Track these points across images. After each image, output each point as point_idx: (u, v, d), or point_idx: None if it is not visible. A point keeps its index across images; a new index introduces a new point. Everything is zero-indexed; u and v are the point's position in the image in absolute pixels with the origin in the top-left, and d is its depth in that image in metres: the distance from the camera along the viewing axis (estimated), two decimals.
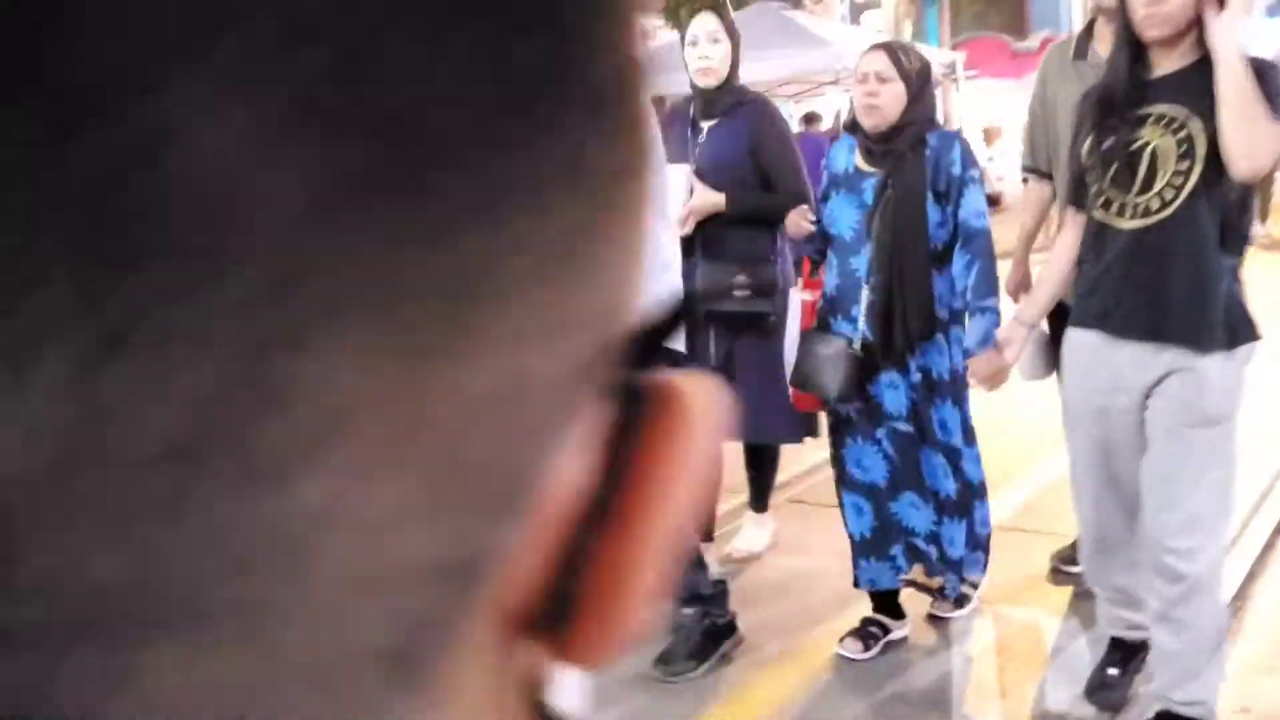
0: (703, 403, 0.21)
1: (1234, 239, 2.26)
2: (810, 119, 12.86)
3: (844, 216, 2.85)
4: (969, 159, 2.78)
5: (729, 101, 3.26)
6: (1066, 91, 3.01)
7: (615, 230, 0.19)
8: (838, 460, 2.99)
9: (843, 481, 2.99)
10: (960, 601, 3.11)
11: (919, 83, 2.78)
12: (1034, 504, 4.05)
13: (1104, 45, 2.95)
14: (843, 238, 2.86)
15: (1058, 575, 3.39)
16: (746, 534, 3.80)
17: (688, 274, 3.27)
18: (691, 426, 0.20)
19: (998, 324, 2.67)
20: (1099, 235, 2.31)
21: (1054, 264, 2.54)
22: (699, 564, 3.01)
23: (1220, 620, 2.37)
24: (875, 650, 2.98)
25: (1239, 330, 2.24)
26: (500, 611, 0.19)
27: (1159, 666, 2.40)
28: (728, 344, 3.28)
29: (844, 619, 3.12)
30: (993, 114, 18.09)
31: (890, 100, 2.73)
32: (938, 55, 13.51)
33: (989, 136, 17.18)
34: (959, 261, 2.73)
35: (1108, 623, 2.68)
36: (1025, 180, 3.34)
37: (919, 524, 2.92)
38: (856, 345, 2.81)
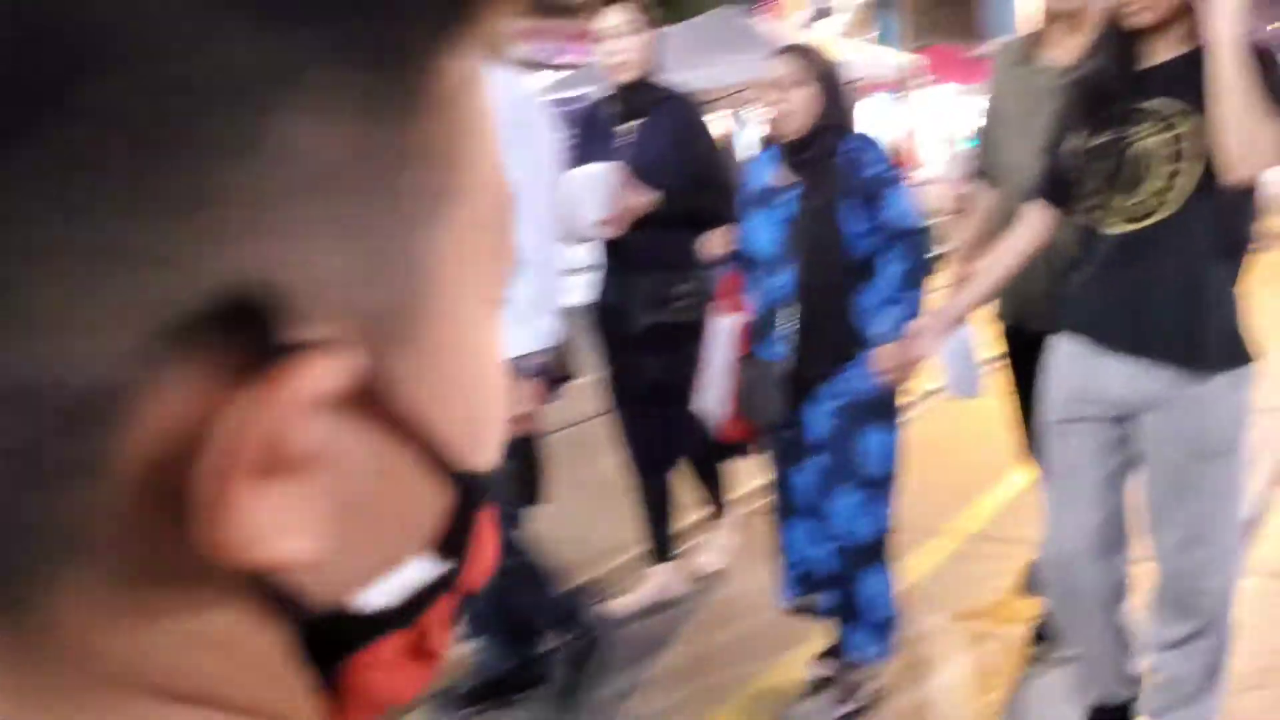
0: (307, 377, 0.24)
1: (1232, 249, 2.04)
2: None
3: (764, 234, 2.66)
4: (885, 160, 2.62)
5: (650, 98, 3.08)
6: (1010, 96, 2.87)
7: (163, 224, 0.23)
8: (783, 488, 2.77)
9: (789, 509, 2.77)
10: (850, 689, 2.75)
11: (830, 85, 2.61)
12: (1009, 511, 3.96)
13: (1055, 50, 2.79)
14: (763, 257, 2.67)
15: (1033, 586, 3.28)
16: (709, 549, 3.63)
17: (623, 284, 3.09)
18: (283, 388, 0.24)
19: (911, 317, 2.49)
20: (1086, 239, 2.12)
21: (996, 261, 2.33)
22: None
23: (1226, 645, 2.21)
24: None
25: (1235, 350, 2.04)
26: (129, 506, 0.24)
27: (1158, 690, 2.29)
28: (666, 358, 3.09)
29: (817, 636, 2.99)
30: (951, 120, 18.19)
31: (802, 105, 2.57)
32: (898, 61, 13.54)
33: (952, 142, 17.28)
34: (888, 264, 2.56)
35: (1086, 685, 2.40)
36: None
37: (825, 567, 2.70)
38: (779, 368, 2.63)
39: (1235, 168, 1.89)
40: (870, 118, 18.25)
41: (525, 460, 2.71)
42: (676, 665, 3.06)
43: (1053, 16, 2.81)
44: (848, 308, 2.58)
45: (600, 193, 2.95)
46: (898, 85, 14.87)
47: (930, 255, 2.59)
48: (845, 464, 2.61)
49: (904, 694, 2.82)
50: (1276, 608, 3.15)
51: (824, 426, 2.62)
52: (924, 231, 2.59)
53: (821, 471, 2.64)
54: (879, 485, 2.63)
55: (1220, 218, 1.99)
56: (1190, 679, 2.18)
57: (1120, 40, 2.04)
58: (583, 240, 3.08)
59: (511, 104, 2.29)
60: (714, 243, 2.81)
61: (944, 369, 2.74)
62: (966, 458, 4.42)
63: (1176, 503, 2.09)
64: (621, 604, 3.37)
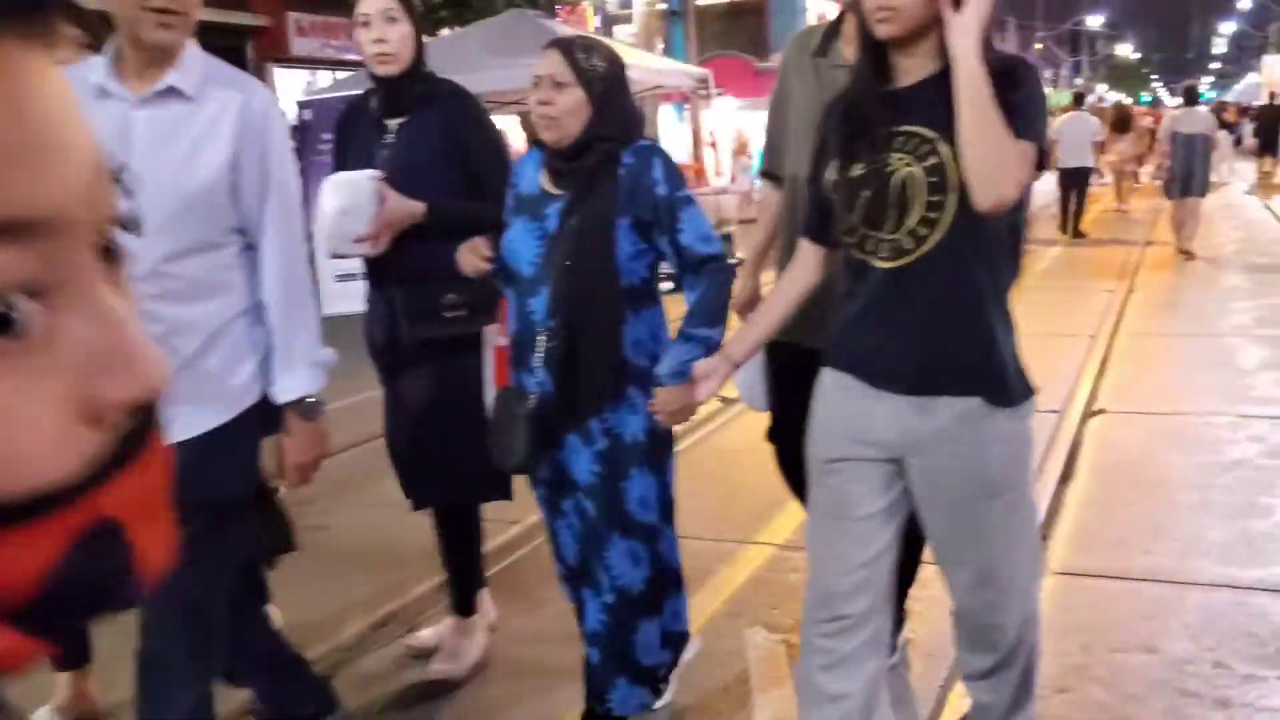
0: None
1: (1004, 275, 1.89)
2: None
3: (524, 248, 2.33)
4: (674, 177, 2.30)
5: (418, 93, 2.73)
6: (801, 88, 2.58)
7: None
8: (549, 534, 2.54)
9: (561, 559, 2.53)
10: None
11: (605, 88, 2.27)
12: None
13: (850, 47, 2.46)
14: (521, 273, 2.34)
15: None
16: (450, 656, 3.03)
17: (389, 297, 2.78)
18: None
19: (702, 356, 2.18)
20: (855, 272, 1.93)
21: (774, 301, 2.12)
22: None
23: (1032, 674, 2.16)
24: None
25: (1015, 384, 1.90)
26: None
27: (969, 716, 2.27)
28: (435, 378, 2.77)
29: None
30: (739, 131, 18.66)
31: (568, 109, 2.24)
32: (688, 70, 13.72)
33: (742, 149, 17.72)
34: (686, 294, 2.29)
35: None
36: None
37: (589, 622, 2.45)
38: (532, 402, 2.34)
39: (982, 193, 1.71)
40: (659, 128, 18.51)
41: (263, 510, 2.36)
42: (486, 696, 2.90)
43: (848, 5, 2.47)
44: (617, 339, 2.29)
45: (356, 203, 2.60)
46: (686, 96, 15.11)
47: (730, 286, 2.34)
48: (614, 511, 2.35)
49: (725, 712, 2.75)
50: (1075, 608, 3.25)
51: (589, 470, 2.35)
52: (724, 259, 2.32)
53: (591, 518, 2.38)
54: (650, 532, 2.39)
55: (990, 244, 1.84)
56: (998, 706, 2.14)
57: (875, 56, 1.87)
58: (341, 256, 2.74)
59: (246, 115, 1.94)
60: (465, 255, 2.42)
61: (736, 380, 2.63)
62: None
63: (964, 543, 1.97)
64: (424, 637, 3.16)
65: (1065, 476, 4.40)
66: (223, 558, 1.96)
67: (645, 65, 12.55)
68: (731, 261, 2.43)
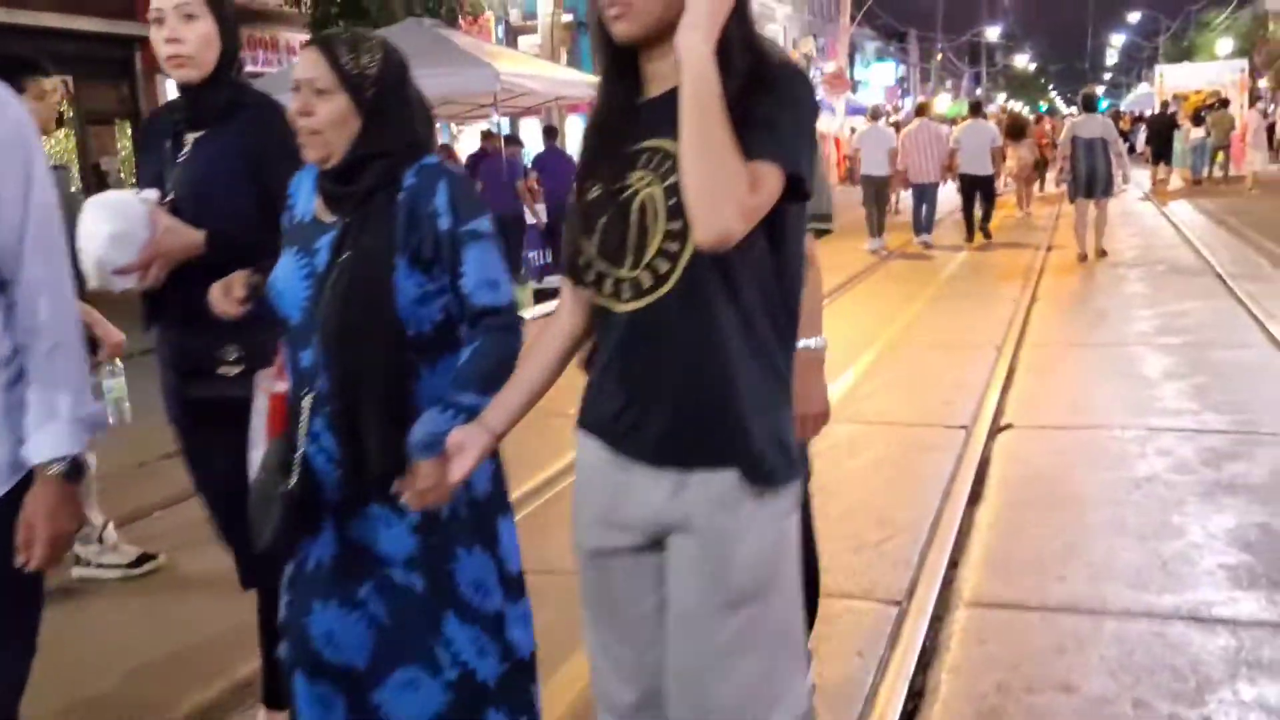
0: None
1: (767, 331, 1.56)
2: (487, 136, 12.91)
3: (291, 288, 1.96)
4: (465, 205, 1.93)
5: (221, 103, 2.36)
6: None
7: None
8: (296, 633, 2.03)
9: (302, 665, 2.03)
10: None
11: (378, 93, 1.92)
12: None
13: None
14: (290, 318, 1.98)
15: None
16: None
17: (163, 346, 2.44)
18: None
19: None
20: (600, 319, 1.64)
21: (534, 355, 1.77)
22: None
23: None
24: None
25: (774, 460, 1.56)
26: None
27: None
28: (225, 441, 2.28)
29: None
30: None
31: (331, 120, 1.89)
32: (590, 81, 13.56)
33: None
34: (463, 350, 1.94)
35: None
36: None
37: (422, 708, 2.01)
38: (293, 479, 1.93)
39: (700, 223, 1.40)
40: (567, 140, 18.30)
41: None
42: None
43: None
44: (403, 399, 1.92)
45: (123, 228, 2.25)
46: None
47: (516, 345, 1.96)
48: (446, 592, 2.00)
49: None
50: (989, 641, 3.10)
51: (404, 545, 1.98)
52: (512, 312, 1.97)
53: (392, 600, 1.99)
54: (495, 621, 2.04)
55: (745, 290, 1.53)
56: None
57: (619, 63, 1.60)
58: (107, 289, 2.34)
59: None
60: (216, 294, 2.10)
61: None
62: None
63: (694, 669, 1.57)
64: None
65: (974, 497, 4.28)
66: (13, 643, 1.70)
67: (546, 75, 12.38)
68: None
